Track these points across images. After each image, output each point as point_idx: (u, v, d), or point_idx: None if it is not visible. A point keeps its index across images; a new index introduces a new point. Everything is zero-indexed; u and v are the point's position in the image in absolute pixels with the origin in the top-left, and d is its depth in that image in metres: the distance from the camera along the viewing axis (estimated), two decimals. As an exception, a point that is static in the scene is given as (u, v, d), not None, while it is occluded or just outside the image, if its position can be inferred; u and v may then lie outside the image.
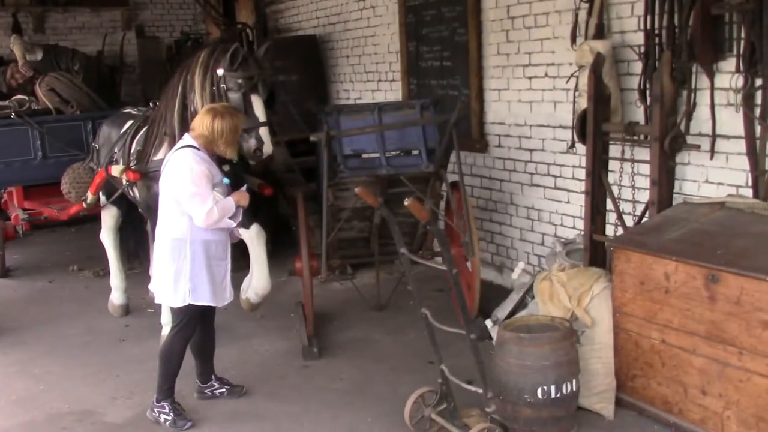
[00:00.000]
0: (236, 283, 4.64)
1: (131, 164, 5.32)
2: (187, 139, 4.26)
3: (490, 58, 6.16)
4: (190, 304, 4.24)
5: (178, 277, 4.20)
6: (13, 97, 7.86)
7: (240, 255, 5.09)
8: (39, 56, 9.08)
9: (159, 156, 4.91)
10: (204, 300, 4.25)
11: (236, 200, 4.27)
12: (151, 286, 4.44)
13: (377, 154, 5.12)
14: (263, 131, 4.72)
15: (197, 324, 4.39)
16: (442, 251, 3.75)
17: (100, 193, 6.04)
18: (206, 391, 4.66)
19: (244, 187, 4.49)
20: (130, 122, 5.66)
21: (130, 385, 4.91)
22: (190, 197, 4.12)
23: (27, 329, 6.10)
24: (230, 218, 4.25)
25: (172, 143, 4.64)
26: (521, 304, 5.11)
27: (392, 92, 7.60)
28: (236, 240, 4.63)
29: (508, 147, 6.14)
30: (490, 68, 6.19)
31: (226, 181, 4.28)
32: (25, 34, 10.46)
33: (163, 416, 4.35)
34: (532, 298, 4.85)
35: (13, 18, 10.63)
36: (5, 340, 5.86)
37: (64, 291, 7.14)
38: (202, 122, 4.20)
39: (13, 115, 7.31)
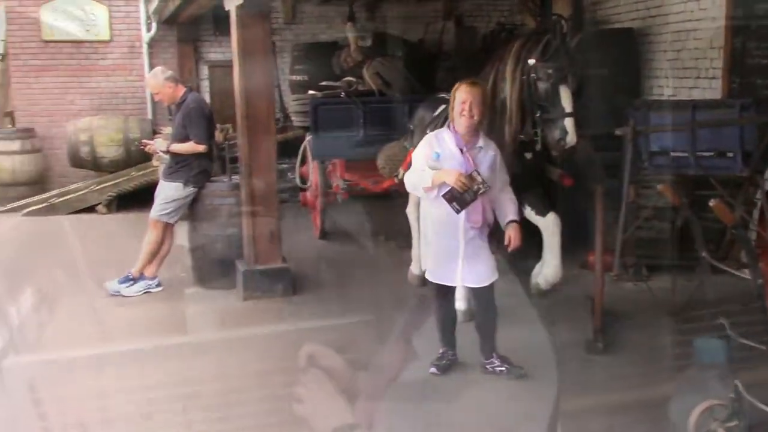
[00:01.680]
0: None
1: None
2: None
3: (833, 55, 5.57)
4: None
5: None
6: (344, 79, 8.74)
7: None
8: (369, 42, 9.88)
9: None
10: (428, 271, 4.71)
11: (436, 176, 4.49)
12: None
13: (686, 153, 4.92)
14: (568, 122, 4.76)
15: (443, 295, 4.82)
16: (748, 260, 3.54)
17: (410, 171, 6.50)
18: (487, 366, 4.89)
19: (471, 169, 4.52)
20: (442, 107, 6.01)
21: (417, 347, 5.27)
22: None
23: (330, 287, 6.83)
24: (447, 196, 4.43)
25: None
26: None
27: (711, 90, 7.14)
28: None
29: (843, 156, 5.50)
30: (830, 67, 5.60)
31: (434, 156, 4.57)
32: (359, 22, 11.46)
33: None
34: None
35: (349, 8, 11.70)
36: (313, 296, 6.61)
37: (370, 257, 7.82)
38: None
39: (342, 94, 8.15)
